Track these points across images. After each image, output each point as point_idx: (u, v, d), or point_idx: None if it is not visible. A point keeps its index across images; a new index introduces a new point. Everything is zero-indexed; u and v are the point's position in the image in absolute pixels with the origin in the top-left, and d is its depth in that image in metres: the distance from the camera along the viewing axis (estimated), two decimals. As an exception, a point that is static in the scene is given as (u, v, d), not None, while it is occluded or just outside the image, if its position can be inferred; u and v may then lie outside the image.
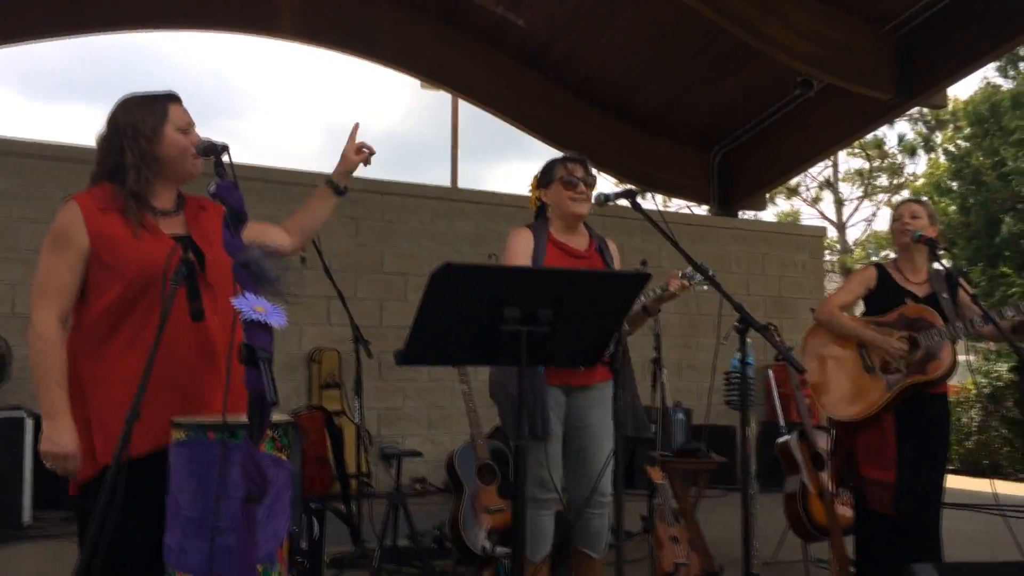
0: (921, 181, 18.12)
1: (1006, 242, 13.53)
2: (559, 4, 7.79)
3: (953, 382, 4.56)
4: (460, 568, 4.33)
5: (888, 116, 8.58)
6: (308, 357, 7.06)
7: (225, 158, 2.11)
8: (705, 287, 3.26)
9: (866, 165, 20.86)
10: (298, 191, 6.60)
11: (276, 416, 1.99)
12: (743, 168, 9.34)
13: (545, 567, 3.31)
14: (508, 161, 38.08)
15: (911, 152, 19.22)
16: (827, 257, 16.04)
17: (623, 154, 9.15)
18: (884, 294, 3.69)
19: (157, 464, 2.01)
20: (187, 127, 2.27)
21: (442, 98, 11.90)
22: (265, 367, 1.81)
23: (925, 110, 15.49)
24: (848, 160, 20.98)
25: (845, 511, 4.07)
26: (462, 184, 11.63)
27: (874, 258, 18.67)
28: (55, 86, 37.14)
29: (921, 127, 18.56)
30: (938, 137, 17.97)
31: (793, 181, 18.94)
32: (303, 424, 5.73)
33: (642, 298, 3.29)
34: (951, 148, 16.18)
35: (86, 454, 2.10)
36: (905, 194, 18.80)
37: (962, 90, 27.29)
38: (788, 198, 21.61)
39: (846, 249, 21.19)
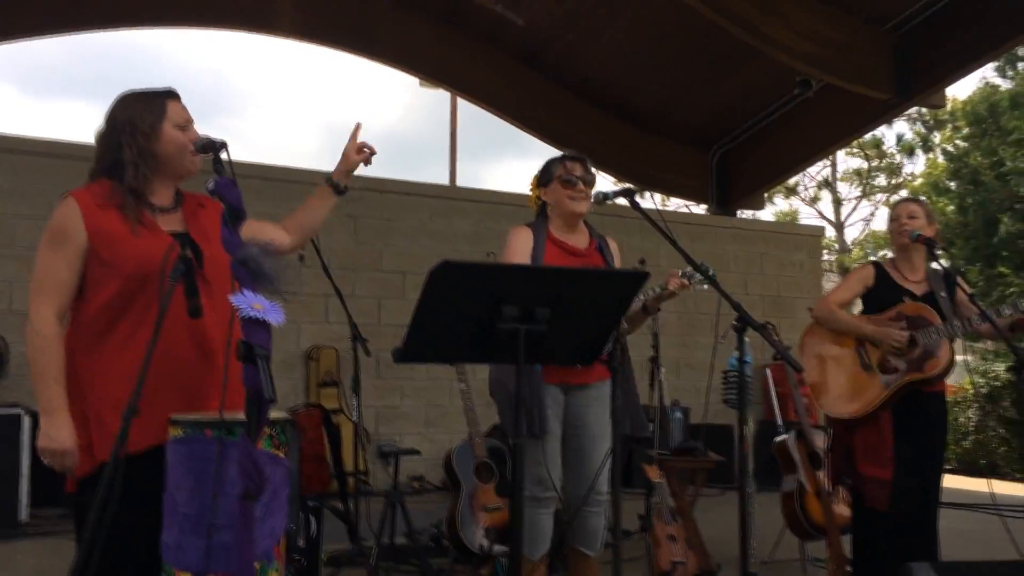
0: (919, 181, 18.15)
1: (1004, 242, 13.54)
2: (559, 3, 7.79)
3: (951, 382, 4.57)
4: (457, 566, 4.33)
5: (887, 116, 8.59)
6: (306, 355, 7.06)
7: (223, 155, 2.11)
8: (705, 286, 3.26)
9: (864, 165, 20.90)
10: (297, 189, 6.59)
11: (274, 413, 1.99)
12: (741, 167, 9.35)
13: (543, 566, 3.31)
14: (507, 160, 38.12)
15: (909, 152, 19.24)
16: (825, 257, 16.02)
17: (622, 153, 9.15)
18: (882, 292, 3.70)
19: (155, 461, 2.01)
20: (185, 124, 2.27)
21: (441, 96, 11.91)
22: (263, 364, 1.80)
23: (924, 110, 15.51)
24: (846, 160, 21.04)
25: (842, 510, 4.08)
26: (461, 183, 11.64)
27: (872, 257, 18.69)
28: (54, 83, 37.16)
29: (920, 127, 18.58)
30: (936, 137, 17.99)
31: (791, 181, 18.96)
32: (301, 422, 5.73)
33: (641, 296, 3.29)
34: (949, 148, 16.21)
35: (83, 450, 2.10)
36: (903, 194, 18.81)
37: (961, 90, 27.32)
38: (786, 197, 21.65)
39: (844, 249, 21.21)
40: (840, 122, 8.33)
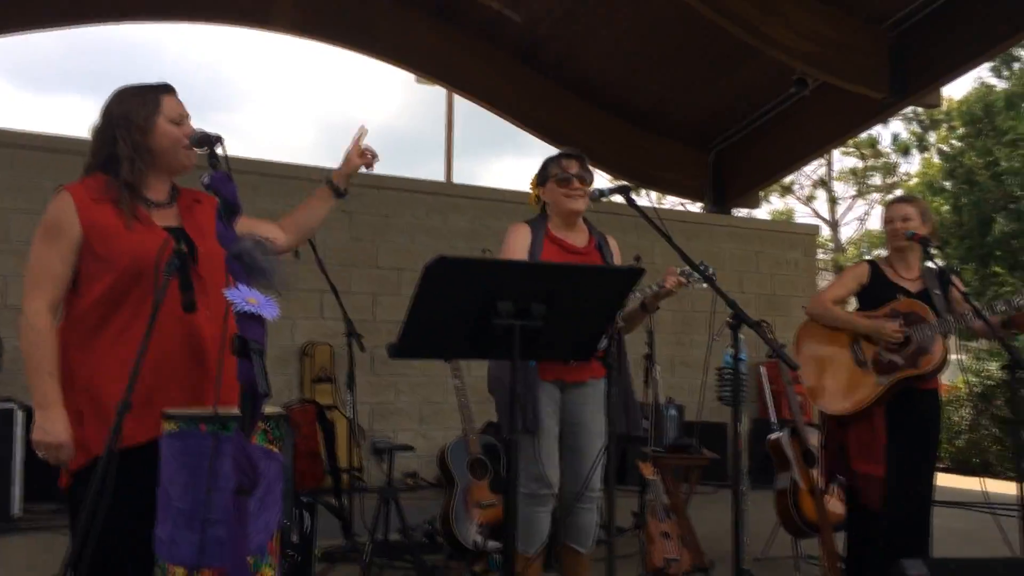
0: (914, 180, 18.19)
1: (998, 242, 13.59)
2: (557, 1, 7.78)
3: (944, 381, 4.58)
4: (451, 562, 4.33)
5: (882, 115, 8.59)
6: (301, 351, 7.06)
7: (219, 150, 2.10)
8: (703, 285, 3.26)
9: (860, 164, 20.93)
10: (294, 185, 6.62)
11: (268, 408, 1.99)
12: (738, 166, 9.35)
13: (539, 561, 3.32)
14: (503, 157, 38.10)
15: (905, 151, 19.28)
16: (820, 255, 16.08)
17: (620, 152, 9.15)
18: (877, 290, 3.71)
19: (150, 455, 2.01)
20: (180, 118, 2.26)
21: (437, 93, 11.89)
22: (257, 359, 1.80)
23: (919, 109, 15.54)
24: (842, 159, 21.08)
25: (835, 507, 4.09)
26: (457, 180, 11.64)
27: (867, 256, 18.73)
28: (50, 77, 37.05)
29: (915, 126, 18.62)
30: (932, 136, 18.03)
31: (787, 179, 19.00)
32: (295, 418, 5.72)
33: (638, 294, 3.29)
34: (945, 148, 16.25)
35: (77, 444, 2.09)
36: (898, 193, 18.85)
37: (956, 90, 27.32)
38: (782, 196, 21.69)
39: (839, 247, 21.26)
40: (836, 121, 8.33)
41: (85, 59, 40.43)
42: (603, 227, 3.53)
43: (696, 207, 10.83)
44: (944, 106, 14.56)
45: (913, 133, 18.83)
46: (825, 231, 20.48)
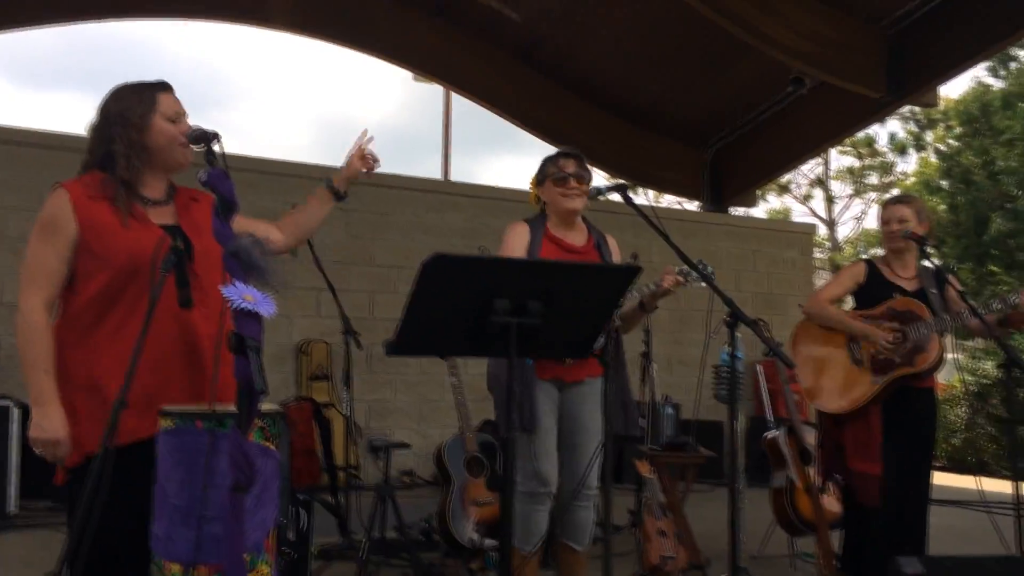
0: (911, 180, 18.21)
1: (995, 241, 13.61)
2: (556, 0, 7.78)
3: (940, 380, 4.59)
4: (448, 560, 4.33)
5: (880, 114, 8.59)
6: (297, 348, 7.05)
7: (216, 147, 2.10)
8: (701, 283, 3.26)
9: (857, 163, 20.95)
10: (291, 182, 6.61)
11: (265, 406, 1.99)
12: (735, 165, 9.36)
13: (536, 559, 3.32)
14: (501, 155, 38.08)
15: (902, 150, 19.30)
16: (817, 254, 16.09)
17: (618, 150, 9.15)
18: (874, 289, 3.72)
19: (147, 452, 2.01)
20: (176, 116, 2.26)
21: (435, 91, 11.88)
22: (254, 356, 1.80)
23: (916, 109, 15.56)
24: (839, 158, 21.08)
25: (831, 506, 4.10)
26: (454, 177, 11.61)
27: (863, 255, 18.75)
28: (46, 74, 36.97)
29: (912, 126, 18.64)
30: (929, 136, 18.05)
31: (784, 178, 19.00)
32: (291, 415, 5.73)
33: (635, 293, 3.29)
34: (941, 147, 16.27)
35: (73, 441, 2.09)
36: (895, 192, 18.87)
37: (953, 89, 27.35)
38: (779, 195, 21.69)
39: (836, 246, 21.28)
40: (833, 120, 8.34)
41: (83, 56, 40.32)
42: (600, 225, 3.53)
43: (693, 206, 10.83)
44: (941, 105, 14.57)
45: (910, 132, 18.85)
46: (822, 230, 20.50)
